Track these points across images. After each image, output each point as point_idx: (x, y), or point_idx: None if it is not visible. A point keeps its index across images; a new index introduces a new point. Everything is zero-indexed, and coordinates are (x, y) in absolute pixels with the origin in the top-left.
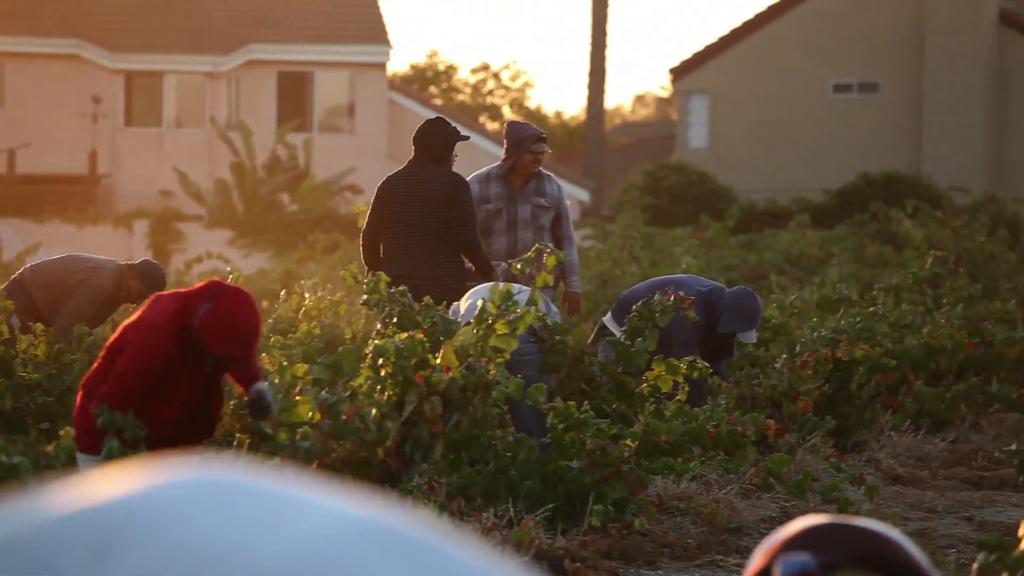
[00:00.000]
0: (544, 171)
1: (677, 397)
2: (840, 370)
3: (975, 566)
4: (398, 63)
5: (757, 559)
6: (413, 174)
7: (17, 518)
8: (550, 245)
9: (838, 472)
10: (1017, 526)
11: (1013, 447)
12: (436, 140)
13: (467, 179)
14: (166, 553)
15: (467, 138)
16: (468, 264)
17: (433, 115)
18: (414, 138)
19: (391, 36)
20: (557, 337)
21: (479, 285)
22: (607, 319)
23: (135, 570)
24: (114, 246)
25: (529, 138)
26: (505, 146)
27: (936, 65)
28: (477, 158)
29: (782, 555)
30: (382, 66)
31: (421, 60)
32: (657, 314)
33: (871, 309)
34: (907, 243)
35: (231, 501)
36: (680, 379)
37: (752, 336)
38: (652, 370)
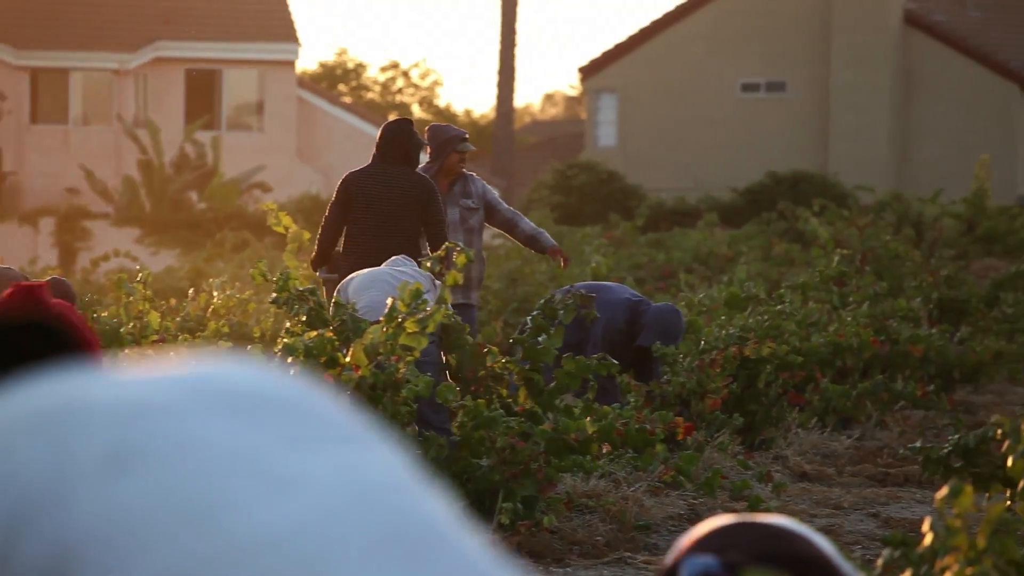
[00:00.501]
0: (466, 171)
1: (586, 395)
2: (748, 368)
3: (880, 562)
4: (307, 61)
5: (668, 559)
6: (385, 172)
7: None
8: (460, 244)
9: (746, 469)
10: (921, 522)
11: (918, 444)
12: (406, 142)
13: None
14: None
15: (425, 144)
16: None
17: (343, 113)
18: (385, 137)
19: (300, 34)
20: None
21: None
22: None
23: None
24: (19, 245)
25: (455, 138)
26: (429, 150)
27: (842, 65)
28: None
29: (687, 557)
30: (291, 64)
31: (330, 58)
32: (560, 311)
33: (778, 307)
34: (814, 242)
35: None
36: (590, 377)
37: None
38: (562, 368)
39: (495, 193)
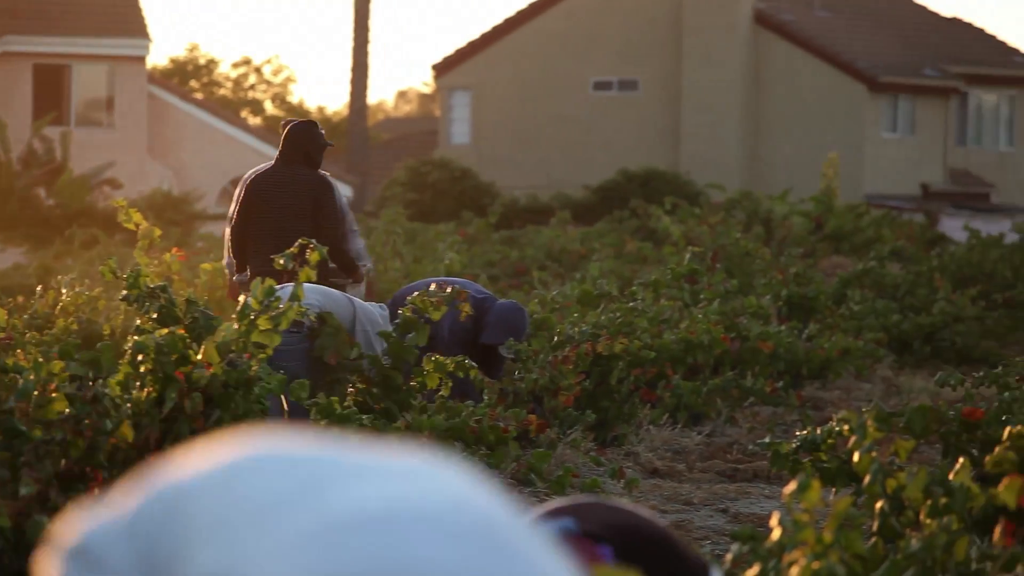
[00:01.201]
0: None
1: (440, 393)
2: (600, 365)
3: (729, 557)
4: (158, 56)
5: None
6: (282, 174)
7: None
8: (314, 241)
9: (598, 466)
10: (769, 517)
11: (766, 440)
12: (307, 142)
13: (245, 175)
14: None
15: (331, 144)
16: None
17: (194, 109)
18: (287, 139)
19: (150, 29)
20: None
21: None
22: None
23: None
24: None
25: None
26: (282, 144)
27: (693, 64)
28: (239, 153)
29: (543, 520)
30: (141, 60)
31: (181, 54)
32: (431, 308)
33: (631, 304)
34: (666, 239)
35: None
36: (445, 377)
37: (511, 352)
38: (420, 366)
39: (345, 202)
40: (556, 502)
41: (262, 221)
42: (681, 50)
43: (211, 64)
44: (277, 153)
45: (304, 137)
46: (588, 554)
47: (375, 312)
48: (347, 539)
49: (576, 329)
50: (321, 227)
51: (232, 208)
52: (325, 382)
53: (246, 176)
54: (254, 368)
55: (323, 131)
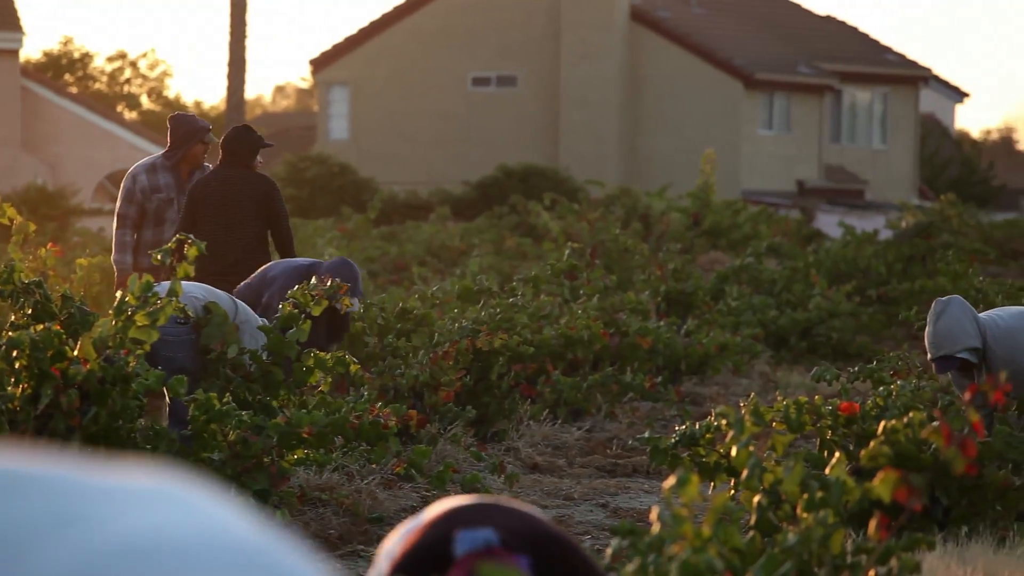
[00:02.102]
0: (206, 163)
1: (320, 388)
2: (480, 361)
3: (609, 551)
4: (31, 50)
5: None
6: (225, 177)
7: None
8: (192, 236)
9: (479, 461)
10: (649, 512)
11: (646, 435)
12: (242, 147)
13: (131, 169)
14: None
15: (271, 145)
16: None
17: (69, 103)
18: (222, 144)
19: (23, 22)
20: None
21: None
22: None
23: None
24: None
25: (201, 130)
26: (171, 138)
27: (571, 60)
28: (115, 148)
29: (460, 531)
30: (14, 53)
31: (55, 47)
32: (312, 302)
33: (511, 300)
34: (545, 235)
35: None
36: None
37: (356, 304)
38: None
39: None
40: (458, 501)
41: (208, 223)
42: (559, 46)
43: (86, 58)
44: (219, 158)
45: (235, 141)
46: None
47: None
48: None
49: (456, 325)
50: (276, 228)
51: (120, 204)
52: (210, 375)
53: (134, 170)
54: (132, 364)
55: (259, 135)
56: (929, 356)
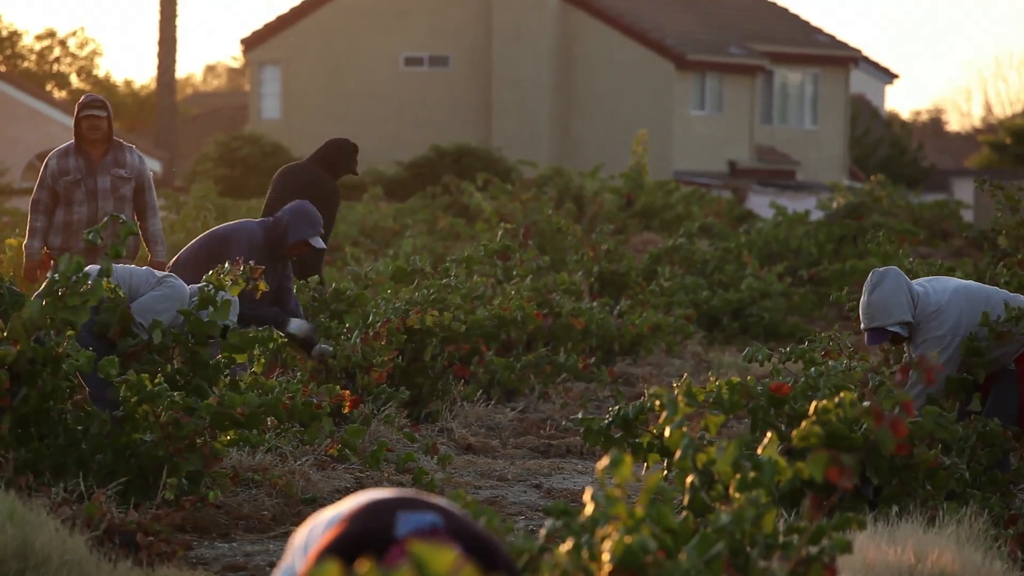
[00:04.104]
0: (124, 142)
1: (252, 369)
2: (414, 341)
3: (543, 532)
4: None
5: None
6: (302, 170)
7: None
8: (124, 216)
9: (412, 442)
10: (583, 492)
11: (579, 416)
12: (337, 158)
13: (48, 157)
14: None
15: (354, 174)
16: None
17: None
18: (330, 147)
19: None
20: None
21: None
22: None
23: None
24: None
25: (79, 106)
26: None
27: (503, 40)
28: (44, 127)
29: (402, 512)
30: None
31: None
32: (229, 284)
33: (444, 281)
34: (478, 216)
35: None
36: (256, 351)
37: (320, 241)
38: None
39: (149, 176)
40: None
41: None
42: (491, 26)
43: (14, 36)
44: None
45: (342, 153)
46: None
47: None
48: None
49: (389, 306)
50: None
51: (34, 190)
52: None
53: (49, 156)
54: (62, 345)
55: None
56: (862, 326)
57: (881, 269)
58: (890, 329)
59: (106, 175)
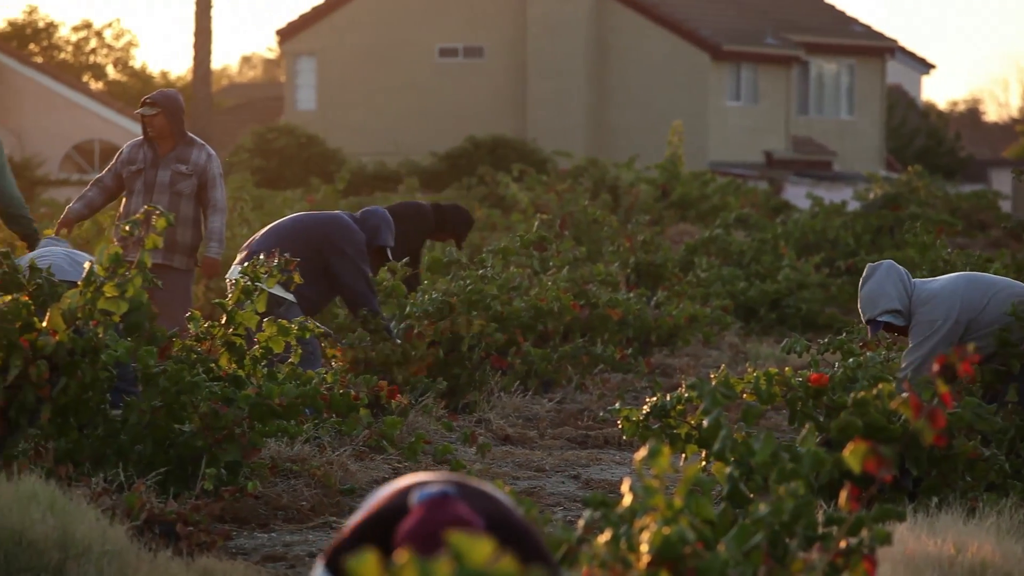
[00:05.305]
0: (196, 139)
1: (290, 360)
2: (451, 332)
3: (581, 523)
4: None
5: (370, 505)
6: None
7: None
8: (160, 208)
9: (450, 433)
10: (620, 483)
11: (616, 406)
12: (449, 223)
13: (126, 144)
14: None
15: (462, 241)
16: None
17: (34, 73)
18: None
19: None
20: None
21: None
22: (233, 272)
23: None
24: None
25: (143, 105)
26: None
27: (538, 31)
28: (81, 118)
29: (418, 490)
30: None
31: (19, 16)
32: (264, 275)
33: (480, 272)
34: (514, 207)
35: None
36: (292, 341)
37: (391, 253)
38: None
39: (216, 173)
40: (401, 481)
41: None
42: (526, 17)
43: (51, 27)
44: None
45: (454, 219)
46: (465, 516)
47: None
48: None
49: (426, 297)
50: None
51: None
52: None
53: (129, 141)
54: (101, 335)
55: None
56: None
57: (875, 263)
58: (880, 320)
59: (167, 170)
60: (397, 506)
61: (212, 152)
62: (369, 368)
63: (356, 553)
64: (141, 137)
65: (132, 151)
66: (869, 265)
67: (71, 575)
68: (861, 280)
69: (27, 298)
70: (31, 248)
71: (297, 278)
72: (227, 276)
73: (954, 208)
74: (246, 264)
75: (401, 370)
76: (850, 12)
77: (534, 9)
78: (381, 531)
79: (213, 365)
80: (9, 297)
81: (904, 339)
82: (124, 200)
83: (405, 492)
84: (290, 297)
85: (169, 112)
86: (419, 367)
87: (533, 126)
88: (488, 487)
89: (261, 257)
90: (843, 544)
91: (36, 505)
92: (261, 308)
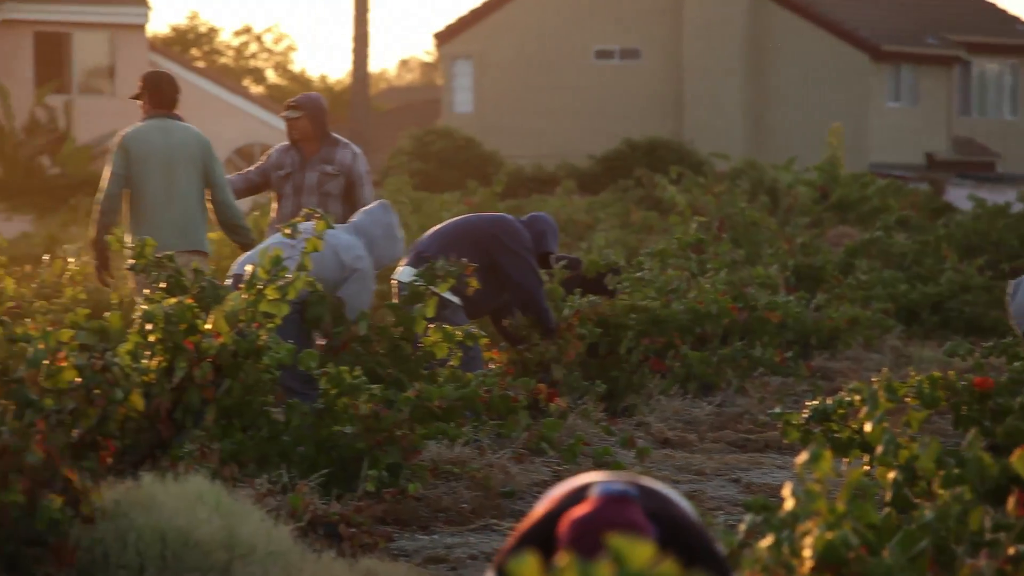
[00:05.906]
0: (341, 139)
1: (450, 363)
2: (609, 335)
3: (742, 527)
4: (158, 24)
5: (544, 503)
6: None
7: None
8: (319, 210)
9: (609, 436)
10: (782, 487)
11: (777, 410)
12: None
13: (274, 147)
14: None
15: (569, 276)
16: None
17: (196, 78)
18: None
19: None
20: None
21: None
22: (402, 274)
23: None
24: None
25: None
26: None
27: (694, 33)
28: (242, 122)
29: (598, 484)
30: (141, 27)
31: (182, 22)
32: (439, 279)
33: (638, 274)
34: (671, 209)
35: None
36: (455, 346)
37: (555, 246)
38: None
39: (363, 173)
40: (579, 479)
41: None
42: (682, 18)
43: (212, 32)
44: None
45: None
46: (637, 521)
47: (362, 258)
48: None
49: (585, 298)
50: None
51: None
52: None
53: (276, 146)
54: (263, 337)
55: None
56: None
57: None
58: None
59: (314, 171)
60: (574, 496)
61: (358, 150)
62: (527, 371)
63: (520, 554)
64: (287, 142)
65: (279, 155)
66: (1009, 283)
67: (237, 575)
68: (1010, 293)
69: (191, 300)
70: None
71: (474, 283)
72: (393, 277)
73: None
74: (422, 268)
75: (558, 367)
76: (1012, 11)
77: (690, 10)
78: (555, 528)
79: (377, 368)
80: (174, 299)
81: None
82: (276, 204)
83: (582, 490)
84: (456, 300)
85: (312, 114)
86: (570, 352)
87: (690, 128)
88: (671, 492)
89: (440, 263)
90: (1011, 551)
91: (202, 505)
92: (430, 313)
